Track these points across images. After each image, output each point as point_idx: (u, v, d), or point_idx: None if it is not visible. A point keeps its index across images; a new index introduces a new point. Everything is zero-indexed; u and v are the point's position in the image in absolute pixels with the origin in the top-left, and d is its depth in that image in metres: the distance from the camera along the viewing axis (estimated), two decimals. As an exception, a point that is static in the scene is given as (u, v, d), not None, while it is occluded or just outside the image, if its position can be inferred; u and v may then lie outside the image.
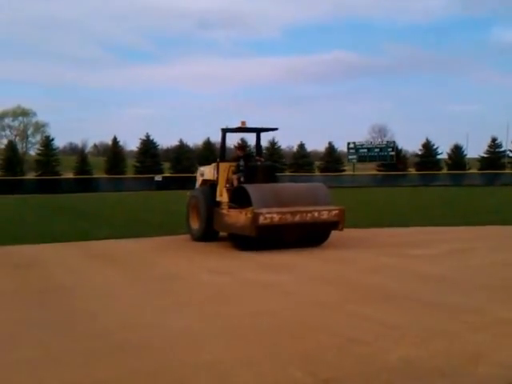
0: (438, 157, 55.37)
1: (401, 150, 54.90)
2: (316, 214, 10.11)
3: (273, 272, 8.27)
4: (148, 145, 54.43)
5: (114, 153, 54.26)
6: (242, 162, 11.41)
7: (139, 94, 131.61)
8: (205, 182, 12.41)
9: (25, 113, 72.31)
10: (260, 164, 11.58)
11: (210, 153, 52.93)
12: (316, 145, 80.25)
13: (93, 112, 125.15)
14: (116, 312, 6.02)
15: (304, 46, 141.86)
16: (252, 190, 10.17)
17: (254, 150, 14.13)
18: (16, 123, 73.62)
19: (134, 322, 5.57)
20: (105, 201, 31.70)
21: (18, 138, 69.00)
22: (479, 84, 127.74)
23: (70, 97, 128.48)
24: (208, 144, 54.75)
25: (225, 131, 11.98)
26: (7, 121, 73.54)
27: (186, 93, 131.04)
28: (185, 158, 53.48)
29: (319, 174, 53.57)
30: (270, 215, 9.65)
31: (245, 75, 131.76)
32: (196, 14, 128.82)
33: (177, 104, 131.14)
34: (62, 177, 51.13)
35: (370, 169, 59.35)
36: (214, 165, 11.95)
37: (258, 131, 12.55)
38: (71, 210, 24.69)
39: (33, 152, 68.74)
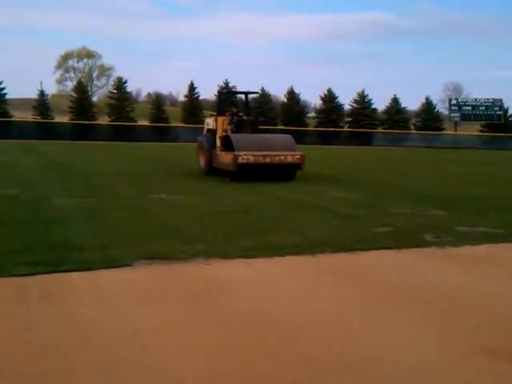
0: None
1: (507, 110, 48.82)
2: (282, 157, 12.72)
3: None
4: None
5: (190, 101, 50.11)
6: (235, 117, 14.34)
7: (185, 47, 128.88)
8: (209, 130, 15.07)
9: (90, 54, 68.68)
10: (246, 119, 14.67)
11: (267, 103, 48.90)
12: (378, 104, 75.55)
13: (144, 63, 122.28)
14: None
15: (342, 7, 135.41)
16: (234, 138, 12.98)
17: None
18: (80, 65, 70.28)
19: None
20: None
21: (82, 80, 65.32)
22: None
23: (123, 48, 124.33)
24: (268, 96, 50.17)
25: (220, 93, 18.68)
26: (71, 62, 70.27)
27: (232, 47, 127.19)
28: (267, 108, 49.43)
29: (416, 131, 48.20)
30: (246, 156, 12.31)
31: (287, 32, 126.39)
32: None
33: (222, 58, 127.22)
34: (138, 124, 47.57)
35: (466, 129, 53.63)
36: (214, 117, 15.04)
37: (245, 93, 16.86)
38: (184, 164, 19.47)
39: (98, 96, 65.56)
